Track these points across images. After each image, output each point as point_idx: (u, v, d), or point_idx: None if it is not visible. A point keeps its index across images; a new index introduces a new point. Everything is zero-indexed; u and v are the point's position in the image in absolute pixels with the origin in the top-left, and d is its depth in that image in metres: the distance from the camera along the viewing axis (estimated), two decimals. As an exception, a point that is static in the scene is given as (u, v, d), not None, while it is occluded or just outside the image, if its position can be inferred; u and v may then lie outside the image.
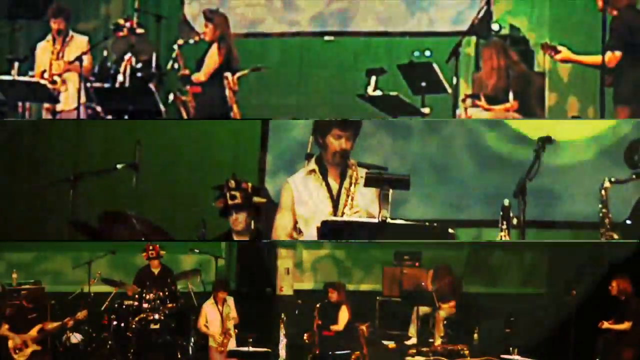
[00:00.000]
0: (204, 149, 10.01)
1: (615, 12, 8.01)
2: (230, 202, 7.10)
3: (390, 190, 5.42)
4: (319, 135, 6.24)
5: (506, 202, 6.40)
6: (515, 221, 6.41)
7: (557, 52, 8.17)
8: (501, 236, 6.47)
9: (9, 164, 9.92)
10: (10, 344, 8.72)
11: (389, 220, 5.35)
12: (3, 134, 9.80)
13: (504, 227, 6.38)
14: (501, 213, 6.40)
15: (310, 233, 6.16)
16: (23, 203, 9.70)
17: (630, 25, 7.94)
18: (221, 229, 7.27)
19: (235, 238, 7.20)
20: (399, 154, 10.04)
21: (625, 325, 8.39)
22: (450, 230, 5.42)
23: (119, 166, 7.53)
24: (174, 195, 9.84)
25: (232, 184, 7.15)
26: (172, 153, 9.92)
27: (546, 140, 6.58)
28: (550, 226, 9.49)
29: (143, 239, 7.05)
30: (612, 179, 7.10)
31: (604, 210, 7.10)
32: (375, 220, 5.44)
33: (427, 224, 5.50)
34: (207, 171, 9.48)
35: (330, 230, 5.56)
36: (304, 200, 6.22)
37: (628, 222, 7.37)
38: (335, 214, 6.10)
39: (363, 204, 6.13)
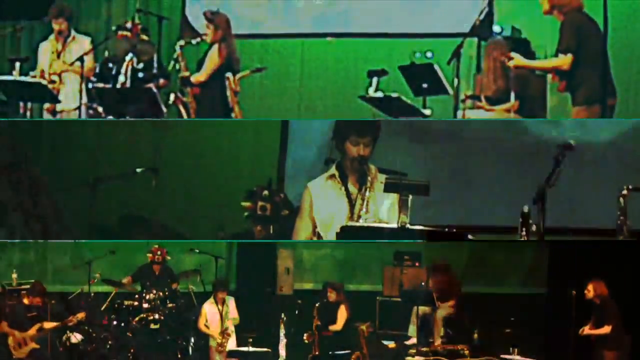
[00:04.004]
0: (224, 151, 9.96)
1: (562, 17, 8.06)
2: (259, 212, 7.08)
3: (410, 196, 5.42)
4: (338, 140, 6.26)
5: (525, 208, 6.34)
6: (534, 228, 6.35)
7: (510, 58, 8.24)
8: (520, 243, 6.39)
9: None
10: (11, 340, 8.71)
11: (408, 225, 5.36)
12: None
13: (523, 233, 6.30)
14: (520, 220, 6.34)
15: (329, 238, 6.19)
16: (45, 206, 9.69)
17: (579, 27, 7.98)
18: (239, 230, 7.24)
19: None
20: (417, 158, 9.80)
21: (606, 330, 8.32)
22: (470, 237, 5.41)
23: (138, 170, 7.50)
24: (193, 198, 9.75)
25: (266, 193, 7.12)
26: (191, 155, 9.84)
27: (566, 148, 6.49)
28: (569, 233, 9.25)
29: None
30: (631, 187, 7.03)
31: (622, 217, 7.03)
32: (395, 226, 5.43)
33: (446, 229, 5.47)
34: (227, 173, 9.46)
35: (349, 236, 5.55)
36: (322, 205, 6.23)
37: None
38: (351, 219, 6.11)
39: (376, 210, 6.14)
